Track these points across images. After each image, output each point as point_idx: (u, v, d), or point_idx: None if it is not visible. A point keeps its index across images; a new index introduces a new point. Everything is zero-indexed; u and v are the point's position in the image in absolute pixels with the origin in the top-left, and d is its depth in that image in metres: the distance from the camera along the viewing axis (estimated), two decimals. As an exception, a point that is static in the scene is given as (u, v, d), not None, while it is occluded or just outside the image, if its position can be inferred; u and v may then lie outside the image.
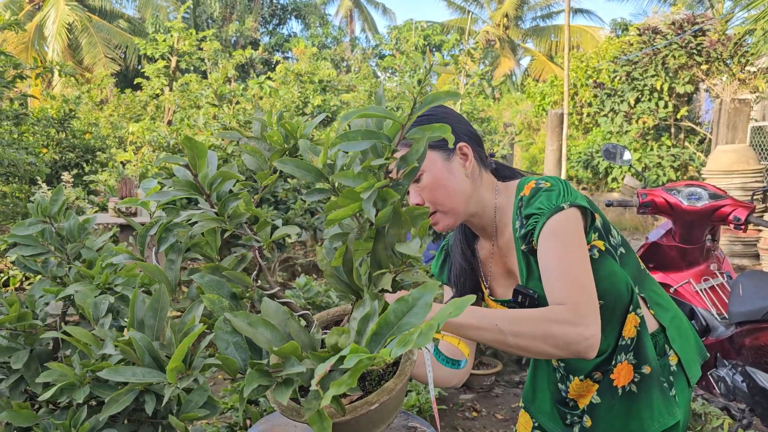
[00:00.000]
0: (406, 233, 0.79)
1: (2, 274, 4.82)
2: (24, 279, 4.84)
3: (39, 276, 1.63)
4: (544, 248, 1.23)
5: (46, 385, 1.34)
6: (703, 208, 2.75)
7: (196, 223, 0.87)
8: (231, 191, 0.87)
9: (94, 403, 1.43)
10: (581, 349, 1.14)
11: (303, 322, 0.93)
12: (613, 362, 1.38)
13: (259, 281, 0.89)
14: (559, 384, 1.50)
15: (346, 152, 0.86)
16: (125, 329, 1.61)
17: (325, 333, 0.92)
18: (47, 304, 1.58)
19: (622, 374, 1.39)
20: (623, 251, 1.40)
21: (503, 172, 1.47)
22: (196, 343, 0.80)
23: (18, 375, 1.48)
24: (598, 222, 1.33)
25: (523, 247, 1.31)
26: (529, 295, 1.33)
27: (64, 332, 1.05)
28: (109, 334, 0.92)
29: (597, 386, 1.42)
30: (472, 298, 0.62)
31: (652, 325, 1.42)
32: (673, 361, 1.41)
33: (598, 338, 1.15)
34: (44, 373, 1.33)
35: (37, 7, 20.06)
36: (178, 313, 0.93)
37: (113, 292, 1.51)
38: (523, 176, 1.42)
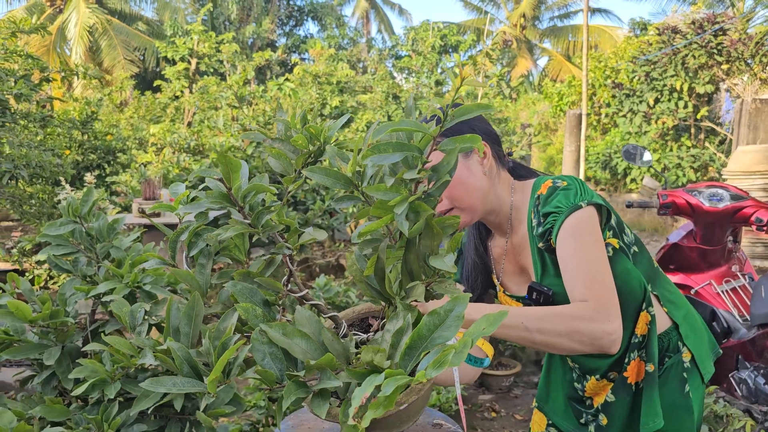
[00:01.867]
0: (438, 244, 0.80)
1: (27, 274, 4.91)
2: (48, 278, 4.93)
3: (64, 275, 1.67)
4: (564, 246, 1.25)
5: (77, 381, 1.38)
6: (725, 210, 2.73)
7: (224, 225, 0.89)
8: (264, 201, 0.89)
9: (121, 399, 1.46)
10: (605, 344, 1.17)
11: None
12: (627, 360, 1.40)
13: (289, 285, 0.91)
14: (575, 383, 1.52)
15: None
16: (154, 328, 1.64)
17: (355, 334, 0.94)
18: (76, 302, 1.62)
19: (635, 371, 1.41)
20: (636, 249, 1.42)
21: (520, 171, 1.50)
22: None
23: (50, 371, 1.51)
24: (613, 220, 1.36)
25: (540, 244, 1.33)
26: (543, 292, 1.36)
27: (104, 341, 1.09)
28: (147, 343, 0.94)
29: (611, 385, 1.45)
30: (505, 313, 0.63)
31: (665, 323, 1.43)
32: (686, 357, 1.43)
33: (620, 333, 1.18)
34: (77, 370, 1.37)
35: (58, 10, 20.34)
36: (210, 315, 0.95)
37: (142, 291, 1.54)
38: (538, 175, 1.44)
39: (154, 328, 1.65)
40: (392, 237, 0.83)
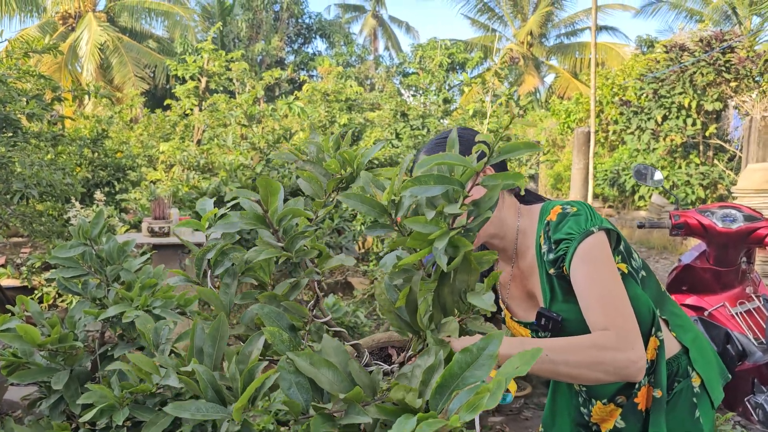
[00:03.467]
0: (476, 280, 0.79)
1: (36, 291, 4.90)
2: (57, 296, 4.93)
3: (72, 294, 1.66)
4: (579, 274, 1.25)
5: (86, 406, 1.36)
6: (738, 231, 2.70)
7: (250, 248, 0.89)
8: (297, 225, 0.89)
9: (129, 423, 1.44)
10: (631, 373, 1.16)
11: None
12: (637, 386, 1.38)
13: (314, 310, 0.90)
14: (582, 408, 1.50)
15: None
16: (174, 350, 1.62)
17: (376, 363, 0.93)
18: (85, 326, 1.61)
19: (645, 397, 1.39)
20: (644, 274, 1.41)
21: (526, 197, 1.49)
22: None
23: (58, 395, 1.50)
24: (621, 245, 1.35)
25: (551, 270, 1.32)
26: (552, 318, 1.35)
27: (121, 361, 1.08)
28: (170, 363, 0.93)
29: (620, 410, 1.42)
30: (540, 350, 0.63)
31: (674, 347, 1.42)
32: (696, 382, 1.41)
33: (644, 361, 1.17)
34: (85, 395, 1.35)
35: (70, 28, 20.61)
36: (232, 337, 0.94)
37: (152, 314, 1.53)
38: (545, 200, 1.44)
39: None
40: (426, 269, 0.82)
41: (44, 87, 3.17)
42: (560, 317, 1.34)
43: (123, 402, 1.38)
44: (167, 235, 3.61)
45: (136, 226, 5.01)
